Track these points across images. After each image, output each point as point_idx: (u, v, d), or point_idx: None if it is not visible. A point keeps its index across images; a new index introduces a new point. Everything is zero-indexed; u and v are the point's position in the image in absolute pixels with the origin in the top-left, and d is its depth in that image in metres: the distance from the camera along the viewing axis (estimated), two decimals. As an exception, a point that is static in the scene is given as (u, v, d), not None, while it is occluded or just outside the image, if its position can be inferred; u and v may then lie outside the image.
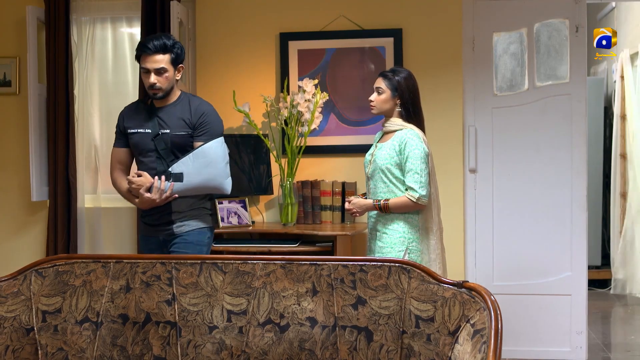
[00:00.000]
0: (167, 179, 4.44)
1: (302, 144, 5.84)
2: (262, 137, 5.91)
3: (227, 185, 4.66)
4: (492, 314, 3.01)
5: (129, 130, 4.63)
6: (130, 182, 4.51)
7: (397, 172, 4.72)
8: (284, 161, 5.90)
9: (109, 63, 6.63)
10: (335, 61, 6.13)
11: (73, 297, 3.69)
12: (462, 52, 6.02)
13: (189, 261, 3.69)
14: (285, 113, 5.80)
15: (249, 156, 6.03)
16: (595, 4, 8.88)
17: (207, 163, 4.51)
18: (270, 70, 6.22)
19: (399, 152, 4.69)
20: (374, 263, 3.54)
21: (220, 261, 3.67)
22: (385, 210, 4.69)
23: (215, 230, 5.66)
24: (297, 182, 5.96)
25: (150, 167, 4.54)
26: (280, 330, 3.52)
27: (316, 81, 5.86)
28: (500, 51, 6.09)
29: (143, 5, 6.12)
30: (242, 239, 5.78)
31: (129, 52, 6.59)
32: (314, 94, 5.74)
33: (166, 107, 4.59)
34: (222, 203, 5.79)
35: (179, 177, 4.45)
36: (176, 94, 4.63)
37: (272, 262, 3.64)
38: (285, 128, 5.86)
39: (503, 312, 3.06)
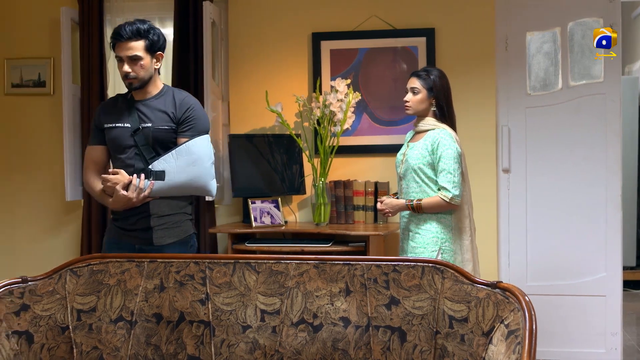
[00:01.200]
0: (147, 177, 4.11)
1: (334, 144, 5.83)
2: (295, 137, 5.91)
3: (213, 186, 4.33)
4: (527, 314, 2.99)
5: (105, 125, 4.27)
6: (105, 180, 4.14)
7: (430, 172, 4.71)
8: (316, 161, 5.90)
9: (142, 63, 6.65)
10: (367, 61, 6.13)
11: (107, 296, 3.71)
12: (495, 52, 5.99)
13: (222, 261, 3.69)
14: (317, 113, 5.80)
15: (282, 156, 6.04)
16: (629, 3, 8.81)
17: (192, 161, 4.17)
18: (302, 70, 6.22)
19: (431, 152, 4.69)
20: (407, 263, 3.53)
21: (253, 261, 3.68)
22: (418, 211, 4.69)
23: (248, 230, 5.68)
24: (330, 182, 5.96)
25: (128, 164, 4.19)
26: (314, 330, 3.52)
27: (349, 81, 5.85)
28: (533, 50, 6.05)
29: (176, 5, 6.14)
30: (275, 239, 5.78)
31: (162, 53, 6.62)
32: (346, 94, 5.73)
33: (147, 100, 4.26)
34: (255, 203, 5.79)
35: (160, 175, 4.13)
36: (158, 86, 4.31)
37: (305, 261, 3.64)
38: (317, 128, 5.86)
39: (536, 312, 3.04)
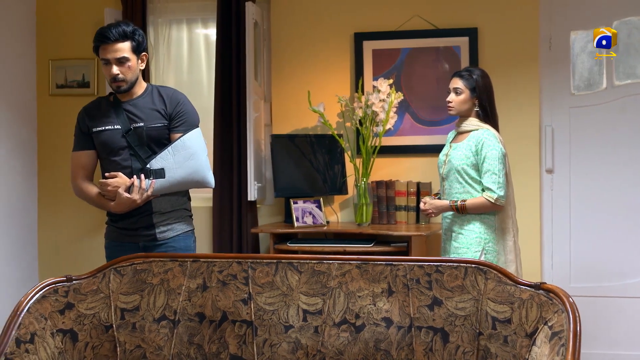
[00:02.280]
0: (146, 177, 4.09)
1: (376, 144, 5.82)
2: (337, 137, 5.91)
3: (211, 178, 4.32)
4: (571, 316, 2.97)
5: (94, 130, 4.22)
6: (104, 185, 4.11)
7: (473, 173, 4.69)
8: (358, 161, 5.90)
9: (184, 64, 6.67)
10: (409, 61, 6.11)
11: (151, 295, 3.73)
12: (539, 51, 5.94)
13: (265, 260, 3.70)
14: (359, 113, 5.79)
15: (324, 156, 6.04)
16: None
17: (189, 155, 4.15)
18: (344, 70, 6.22)
19: (475, 153, 4.67)
20: (450, 264, 3.52)
21: (296, 261, 3.68)
22: (462, 211, 4.67)
23: (290, 230, 5.69)
24: (372, 182, 5.96)
25: (123, 165, 4.16)
26: (356, 331, 3.52)
27: (391, 81, 5.84)
28: (577, 50, 5.99)
29: (218, 6, 6.16)
30: (317, 239, 5.77)
31: (203, 53, 6.64)
32: (388, 94, 5.72)
33: (134, 100, 4.23)
34: (297, 203, 5.80)
35: (160, 174, 4.10)
36: (142, 86, 4.29)
37: (347, 262, 3.63)
38: (359, 128, 5.85)
39: (580, 314, 3.02)
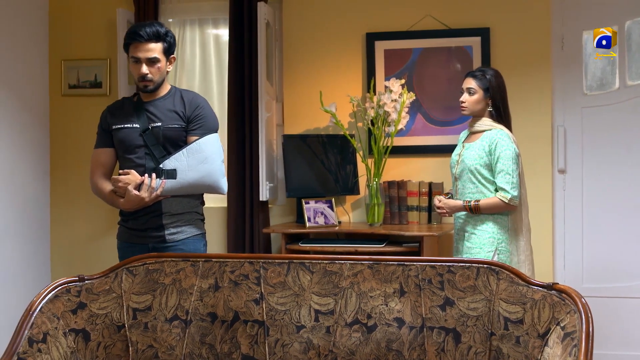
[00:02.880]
0: (158, 176, 4.09)
1: (388, 144, 5.82)
2: (349, 137, 5.90)
3: (224, 184, 4.30)
4: (583, 316, 2.97)
5: (113, 127, 4.27)
6: (115, 181, 4.12)
7: (486, 173, 4.69)
8: (370, 161, 5.90)
9: (196, 64, 6.67)
10: (421, 61, 6.11)
11: (163, 295, 3.74)
12: (551, 51, 5.93)
13: (277, 261, 3.71)
14: (371, 113, 5.79)
15: (336, 156, 6.04)
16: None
17: (203, 159, 4.15)
18: (356, 71, 6.22)
19: (488, 153, 4.67)
20: (462, 264, 3.52)
21: (308, 261, 3.68)
22: (476, 212, 4.67)
23: (302, 230, 5.69)
24: (384, 182, 5.95)
25: (138, 164, 4.18)
26: (368, 331, 3.52)
27: (403, 81, 5.84)
28: (590, 50, 5.97)
29: (231, 6, 6.16)
30: (329, 239, 5.77)
31: (215, 54, 6.64)
32: (400, 94, 5.71)
33: (155, 101, 4.27)
34: (308, 203, 5.80)
35: (171, 174, 4.10)
36: (166, 88, 4.32)
37: (359, 262, 3.63)
38: (371, 128, 5.85)
39: (592, 314, 3.01)
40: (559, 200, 5.96)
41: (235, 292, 3.69)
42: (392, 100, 5.70)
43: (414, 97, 5.81)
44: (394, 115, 5.70)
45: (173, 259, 3.81)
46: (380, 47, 6.14)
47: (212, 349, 3.65)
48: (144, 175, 4.10)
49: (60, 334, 3.49)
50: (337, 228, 5.82)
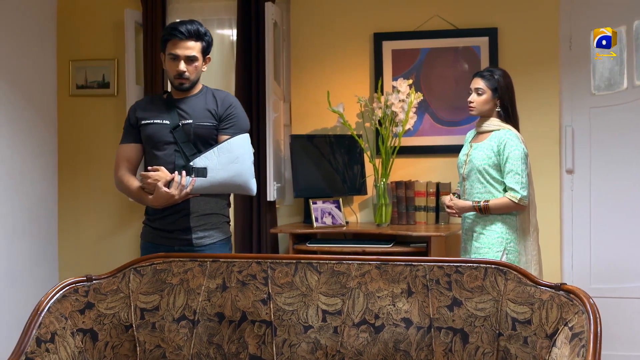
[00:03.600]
0: (188, 174, 4.03)
1: (396, 144, 5.82)
2: (356, 138, 5.91)
3: (254, 185, 4.25)
4: (592, 317, 2.96)
5: (142, 122, 4.22)
6: (145, 177, 4.05)
7: (495, 173, 4.69)
8: (378, 161, 5.90)
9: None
10: (429, 61, 6.10)
11: (170, 295, 3.74)
12: (559, 51, 5.92)
13: (284, 261, 3.71)
14: (379, 113, 5.79)
15: (343, 156, 6.04)
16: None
17: (234, 158, 4.10)
18: (364, 71, 6.22)
19: (497, 153, 4.67)
20: (469, 264, 3.51)
21: (315, 261, 3.68)
22: (486, 212, 4.67)
23: (310, 230, 5.69)
24: (391, 182, 5.95)
25: (167, 161, 4.13)
26: (375, 331, 3.52)
27: (410, 81, 5.84)
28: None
29: (238, 7, 6.17)
30: (336, 239, 5.77)
31: (225, 54, 6.65)
32: (408, 94, 5.71)
33: (187, 98, 4.24)
34: (316, 203, 5.80)
35: (202, 172, 4.04)
36: (198, 86, 4.29)
37: (367, 262, 3.63)
38: (379, 128, 5.85)
39: (601, 315, 3.00)
40: (567, 200, 5.95)
41: (243, 292, 3.69)
42: (399, 101, 5.69)
43: (422, 97, 5.81)
44: (401, 116, 5.70)
45: (181, 259, 3.81)
46: (388, 47, 6.14)
47: (220, 349, 3.65)
48: (173, 173, 4.05)
49: (68, 334, 3.49)
50: (344, 228, 5.82)
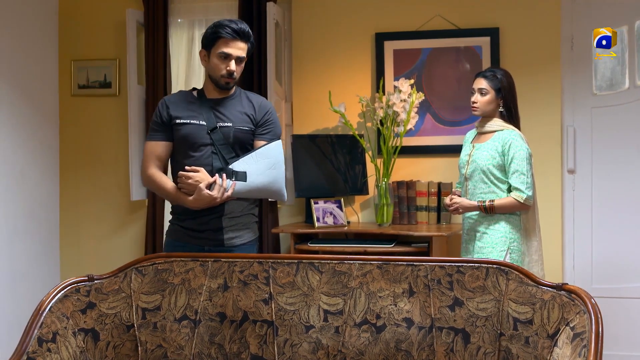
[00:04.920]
0: (228, 177, 3.96)
1: (397, 144, 5.82)
2: (358, 137, 5.91)
3: (285, 192, 4.22)
4: (593, 317, 2.96)
5: (177, 121, 4.12)
6: (185, 178, 3.97)
7: (498, 173, 4.69)
8: (379, 161, 5.90)
9: (207, 64, 6.68)
10: (431, 61, 6.11)
11: (172, 295, 3.74)
12: (561, 51, 5.92)
13: (286, 261, 3.70)
14: (380, 113, 5.79)
15: (345, 156, 6.04)
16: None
17: (272, 164, 4.05)
18: (365, 71, 6.22)
19: (501, 154, 4.67)
20: (471, 264, 3.51)
21: (317, 261, 3.68)
22: (491, 212, 4.67)
23: (311, 230, 5.69)
24: (393, 182, 5.95)
25: (204, 162, 4.06)
26: (377, 331, 3.52)
27: (412, 81, 5.84)
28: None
29: (240, 6, 6.18)
30: (338, 239, 5.77)
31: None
32: (409, 94, 5.71)
33: (223, 100, 4.17)
34: (317, 203, 5.80)
35: (242, 176, 3.98)
36: (233, 88, 4.23)
37: (368, 262, 3.63)
38: (380, 128, 5.85)
39: (602, 315, 3.00)
40: (569, 200, 5.95)
41: (244, 292, 3.69)
42: (401, 100, 5.70)
43: (423, 97, 5.81)
44: (403, 115, 5.70)
45: (182, 258, 3.81)
46: (390, 47, 6.14)
47: (221, 349, 3.65)
48: (211, 175, 3.99)
49: (70, 334, 3.49)
50: (346, 228, 5.82)
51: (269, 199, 4.41)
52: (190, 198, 3.98)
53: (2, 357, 5.31)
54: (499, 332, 3.37)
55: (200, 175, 3.96)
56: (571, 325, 3.09)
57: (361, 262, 3.64)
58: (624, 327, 5.81)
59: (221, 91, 4.17)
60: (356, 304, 3.57)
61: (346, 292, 3.60)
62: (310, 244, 5.61)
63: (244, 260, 3.74)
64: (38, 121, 6.35)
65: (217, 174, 3.96)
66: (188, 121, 4.12)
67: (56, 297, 3.51)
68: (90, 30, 6.66)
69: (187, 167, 4.03)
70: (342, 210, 5.90)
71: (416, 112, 5.83)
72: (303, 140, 5.99)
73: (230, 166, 4.01)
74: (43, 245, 6.43)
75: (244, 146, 4.13)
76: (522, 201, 4.60)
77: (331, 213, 5.84)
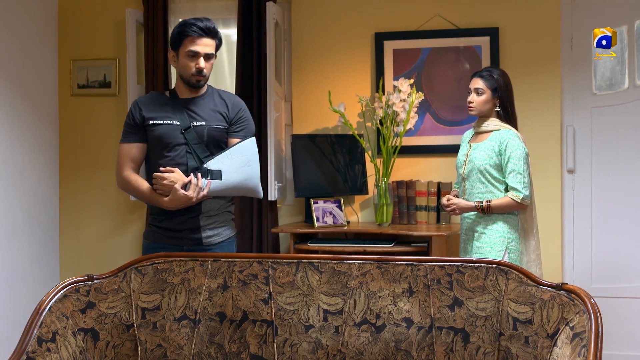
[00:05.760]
0: (203, 176, 3.99)
1: (397, 144, 5.82)
2: (358, 137, 5.91)
3: (261, 188, 4.27)
4: (593, 317, 2.96)
5: (150, 122, 4.13)
6: (160, 179, 3.99)
7: (496, 173, 4.69)
8: (379, 161, 5.90)
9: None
10: (430, 61, 6.11)
11: (172, 295, 3.74)
12: (561, 51, 5.92)
13: (285, 260, 3.71)
14: (380, 113, 5.79)
15: (344, 156, 6.04)
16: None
17: (246, 161, 4.10)
18: (365, 70, 6.22)
19: (498, 153, 4.67)
20: (470, 264, 3.51)
21: (316, 261, 3.68)
22: (488, 212, 4.67)
23: (311, 230, 5.69)
24: (393, 182, 5.95)
25: (178, 162, 4.07)
26: (376, 331, 3.52)
27: (412, 81, 5.84)
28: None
29: (239, 6, 6.17)
30: (337, 239, 5.77)
31: (226, 54, 6.65)
32: (409, 94, 5.71)
33: (195, 99, 4.19)
34: (317, 203, 5.80)
35: (217, 175, 4.01)
36: (204, 86, 4.25)
37: (368, 262, 3.63)
38: (380, 128, 5.85)
39: (602, 315, 3.00)
40: (568, 200, 5.96)
41: (244, 292, 3.69)
42: (400, 100, 5.70)
43: (423, 97, 5.81)
44: (402, 115, 5.70)
45: (182, 258, 3.81)
46: (389, 46, 6.14)
47: (221, 349, 3.65)
48: (186, 175, 4.01)
49: (69, 334, 3.49)
50: (345, 228, 5.82)
51: (247, 197, 4.41)
52: (166, 199, 4.02)
53: (2, 357, 5.31)
54: (498, 331, 3.37)
55: (175, 176, 4.00)
56: (571, 325, 3.09)
57: (361, 261, 3.64)
58: (624, 326, 5.81)
59: (193, 90, 4.19)
60: (356, 304, 3.58)
61: (346, 292, 3.60)
62: (309, 243, 5.61)
63: (244, 260, 3.75)
64: (37, 121, 6.34)
65: (192, 174, 4.00)
66: (161, 122, 4.14)
67: (56, 297, 3.51)
68: (90, 30, 6.65)
69: (161, 168, 4.05)
70: (341, 210, 5.90)
71: (416, 112, 5.83)
72: (303, 140, 5.99)
73: (205, 165, 4.04)
74: (42, 245, 6.43)
75: (218, 144, 4.16)
76: (519, 201, 4.60)
77: (331, 213, 5.84)
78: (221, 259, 3.77)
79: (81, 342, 3.53)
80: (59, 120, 6.67)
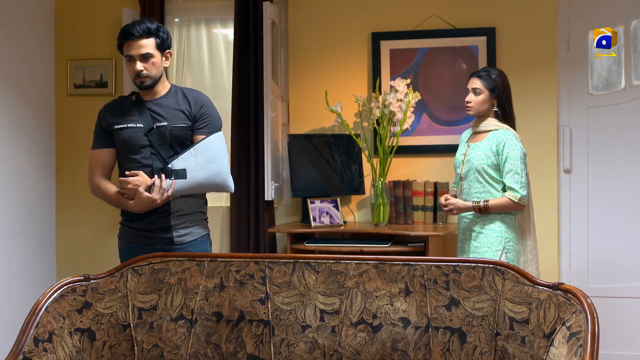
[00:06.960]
0: (167, 177, 4.03)
1: (394, 144, 5.82)
2: (354, 137, 5.91)
3: (231, 182, 4.28)
4: (589, 317, 2.96)
5: (115, 127, 4.19)
6: (124, 183, 4.05)
7: (493, 173, 4.69)
8: (375, 161, 5.89)
9: (205, 65, 6.67)
10: (427, 61, 6.11)
11: (168, 295, 3.74)
12: (557, 51, 5.93)
13: (282, 260, 3.70)
14: (377, 113, 5.79)
15: (341, 156, 6.04)
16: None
17: (211, 158, 4.11)
18: (362, 70, 6.22)
19: (496, 153, 4.67)
20: (467, 264, 3.51)
21: (313, 261, 3.68)
22: (485, 212, 4.67)
23: (307, 230, 5.69)
24: (389, 182, 5.95)
25: (144, 164, 4.12)
26: (373, 331, 3.52)
27: (408, 81, 5.83)
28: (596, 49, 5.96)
29: (236, 6, 6.17)
30: (334, 239, 5.77)
31: (223, 54, 6.65)
32: (406, 94, 5.71)
33: (158, 100, 4.21)
34: (314, 203, 5.80)
35: (181, 174, 4.05)
36: (166, 86, 4.27)
37: (365, 262, 3.63)
38: (377, 128, 5.85)
39: (598, 315, 3.01)
40: (565, 200, 5.96)
41: (241, 292, 3.69)
42: (397, 100, 5.69)
43: (420, 97, 5.81)
44: (399, 115, 5.70)
45: (179, 258, 3.81)
46: (386, 46, 6.14)
47: (218, 349, 3.65)
48: (151, 176, 4.05)
49: (66, 334, 3.49)
50: (342, 228, 5.82)
51: (216, 192, 4.43)
52: (132, 202, 4.07)
53: (-2, 357, 5.30)
54: (495, 331, 3.37)
55: (139, 179, 4.05)
56: (567, 324, 3.09)
57: (357, 261, 3.64)
58: (620, 326, 5.81)
59: (151, 92, 4.21)
60: (352, 304, 3.57)
61: (342, 292, 3.60)
62: (306, 243, 5.60)
63: (241, 259, 3.75)
64: (34, 121, 6.34)
65: (156, 175, 4.04)
66: (125, 125, 4.18)
67: (52, 297, 3.51)
68: (87, 30, 6.65)
69: (126, 172, 4.10)
70: (338, 210, 5.90)
71: (412, 112, 5.83)
72: (299, 140, 5.99)
73: (169, 165, 4.07)
74: (39, 244, 6.43)
75: (183, 143, 4.17)
76: (516, 201, 4.61)
77: (327, 213, 5.84)
78: (218, 259, 3.78)
79: (78, 342, 3.53)
80: (55, 120, 6.66)
